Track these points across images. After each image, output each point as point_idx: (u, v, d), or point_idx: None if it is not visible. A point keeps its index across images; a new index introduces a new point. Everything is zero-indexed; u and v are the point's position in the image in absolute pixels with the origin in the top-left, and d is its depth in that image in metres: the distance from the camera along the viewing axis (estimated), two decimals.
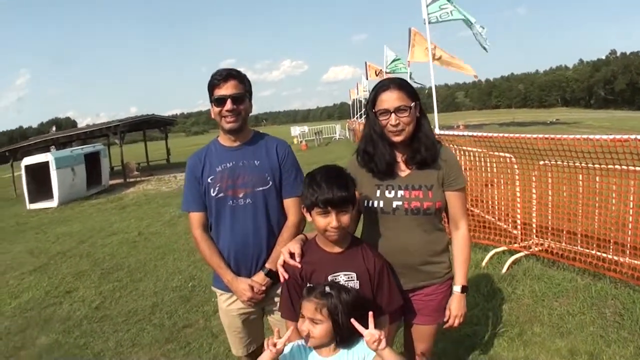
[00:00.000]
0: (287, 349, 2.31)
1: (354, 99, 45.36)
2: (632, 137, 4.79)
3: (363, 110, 38.24)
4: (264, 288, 2.89)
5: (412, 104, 2.54)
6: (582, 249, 5.61)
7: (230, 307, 3.08)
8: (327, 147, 31.85)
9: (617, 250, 5.30)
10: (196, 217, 3.03)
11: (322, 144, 34.78)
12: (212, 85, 2.87)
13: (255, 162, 2.95)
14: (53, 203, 16.58)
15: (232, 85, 2.85)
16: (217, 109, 2.89)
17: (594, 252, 5.47)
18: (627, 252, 5.20)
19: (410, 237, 2.63)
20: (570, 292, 5.14)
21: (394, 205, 2.62)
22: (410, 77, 11.93)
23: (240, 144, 3.00)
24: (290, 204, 2.98)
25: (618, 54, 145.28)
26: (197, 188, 3.00)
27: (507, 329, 4.56)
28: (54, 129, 29.64)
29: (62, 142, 24.06)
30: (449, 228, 2.81)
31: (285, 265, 2.50)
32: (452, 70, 12.29)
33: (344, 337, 2.24)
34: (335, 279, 2.39)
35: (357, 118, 40.96)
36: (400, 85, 2.57)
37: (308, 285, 2.37)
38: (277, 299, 2.83)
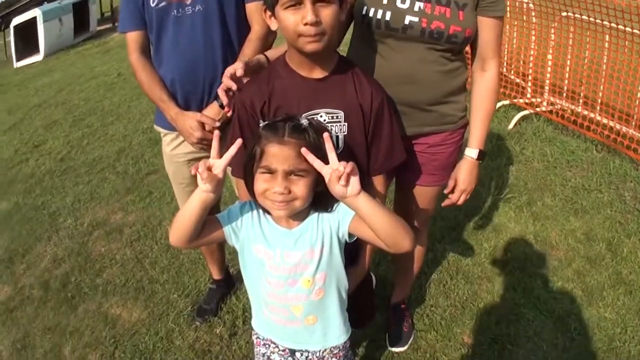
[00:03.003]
0: (233, 211, 1.60)
1: None
2: None
3: None
4: (218, 124, 2.13)
5: None
6: (600, 118, 4.81)
7: (175, 151, 2.40)
8: None
9: None
10: (133, 38, 2.31)
11: None
12: None
13: None
14: (39, 56, 15.57)
15: None
16: None
17: (613, 124, 4.65)
18: None
19: (421, 66, 1.84)
20: (585, 164, 4.44)
21: (407, 22, 1.76)
22: None
23: None
24: (254, 10, 2.16)
25: None
26: (134, 1, 2.21)
27: (514, 196, 3.99)
28: None
29: None
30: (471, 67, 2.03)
31: (231, 93, 1.71)
32: None
33: (324, 196, 1.49)
34: (313, 118, 1.62)
35: None
36: None
37: (266, 122, 1.55)
38: None
